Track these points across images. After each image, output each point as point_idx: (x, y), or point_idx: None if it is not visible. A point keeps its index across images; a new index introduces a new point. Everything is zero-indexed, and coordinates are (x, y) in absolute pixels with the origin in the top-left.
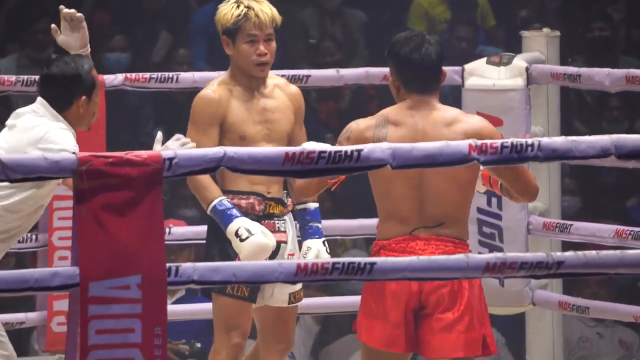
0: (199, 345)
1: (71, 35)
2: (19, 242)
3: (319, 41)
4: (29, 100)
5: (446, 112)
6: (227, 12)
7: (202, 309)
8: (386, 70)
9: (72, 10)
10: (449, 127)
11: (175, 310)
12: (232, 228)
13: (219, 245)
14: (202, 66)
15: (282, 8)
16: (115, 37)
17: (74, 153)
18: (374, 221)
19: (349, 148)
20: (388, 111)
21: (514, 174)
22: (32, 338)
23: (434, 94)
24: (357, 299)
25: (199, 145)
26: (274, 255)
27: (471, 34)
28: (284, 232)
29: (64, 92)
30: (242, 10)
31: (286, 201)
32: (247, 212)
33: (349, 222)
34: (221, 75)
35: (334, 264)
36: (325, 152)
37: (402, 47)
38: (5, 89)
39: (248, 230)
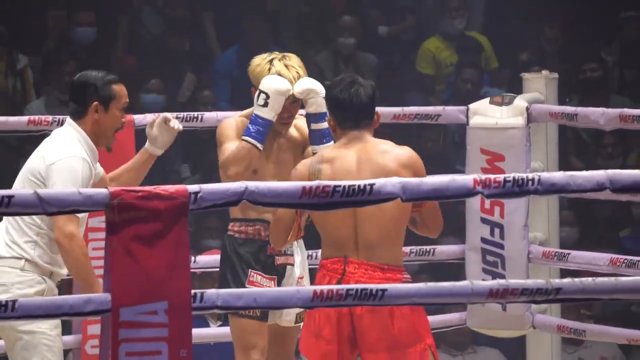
0: None
1: (161, 135)
2: None
3: None
4: None
5: (378, 144)
6: (263, 69)
7: None
8: (396, 109)
9: (176, 122)
10: (383, 155)
11: (220, 332)
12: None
13: (229, 268)
14: (225, 106)
15: (300, 51)
16: (152, 81)
17: (106, 188)
18: None
19: (362, 182)
20: (325, 151)
21: (434, 210)
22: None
23: (366, 130)
24: None
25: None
26: (280, 277)
27: (476, 77)
28: (291, 255)
29: (79, 98)
30: (283, 78)
31: None
32: (254, 239)
33: None
34: (245, 111)
35: (347, 290)
36: (339, 186)
37: (334, 89)
38: (43, 128)
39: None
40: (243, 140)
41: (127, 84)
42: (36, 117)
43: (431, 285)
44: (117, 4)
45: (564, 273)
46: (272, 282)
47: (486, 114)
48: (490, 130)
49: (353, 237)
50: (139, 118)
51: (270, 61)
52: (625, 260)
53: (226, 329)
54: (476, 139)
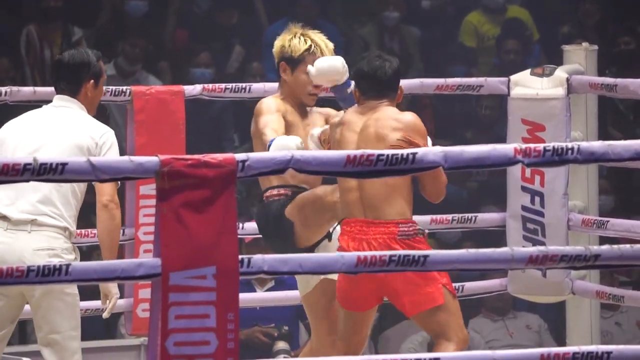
0: (286, 328)
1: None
2: None
3: None
4: (118, 108)
5: (386, 111)
6: (294, 43)
7: (289, 296)
8: (439, 81)
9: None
10: (383, 122)
11: (266, 297)
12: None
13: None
14: (273, 78)
15: (346, 25)
16: (201, 54)
17: (156, 156)
18: (426, 218)
19: (405, 152)
20: (346, 112)
21: (432, 176)
22: (120, 323)
23: (387, 101)
24: None
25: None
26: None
27: (517, 48)
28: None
29: (73, 77)
30: (310, 45)
31: None
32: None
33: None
34: (273, 95)
35: (390, 256)
36: (383, 155)
37: (361, 62)
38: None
39: None
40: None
41: (178, 58)
42: None
43: (472, 251)
44: None
45: (603, 240)
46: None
47: (527, 85)
48: (531, 101)
49: (358, 195)
50: (189, 89)
51: (299, 36)
52: None
53: (272, 294)
54: (517, 110)
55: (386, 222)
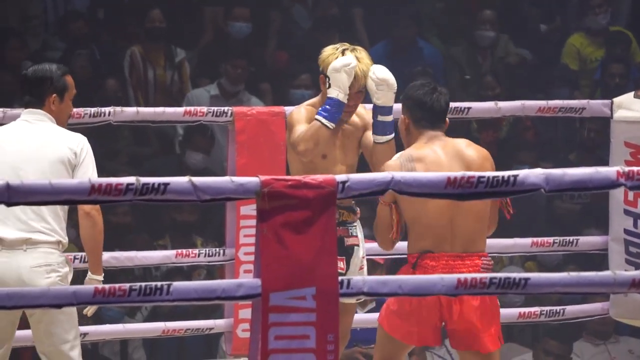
0: None
1: None
2: (209, 255)
3: (478, 75)
4: (221, 128)
5: (457, 141)
6: (334, 58)
7: None
8: (541, 103)
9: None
10: (467, 150)
11: (367, 318)
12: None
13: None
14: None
15: (441, 46)
16: (301, 76)
17: (257, 177)
18: (527, 240)
19: (506, 174)
20: (409, 150)
21: (495, 208)
22: (220, 343)
23: (440, 131)
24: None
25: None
26: (348, 257)
27: (622, 71)
28: (356, 236)
29: (35, 91)
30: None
31: (355, 209)
32: None
33: (506, 241)
34: (311, 100)
35: (491, 279)
36: (484, 177)
37: (416, 90)
38: (198, 118)
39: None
40: (315, 119)
41: (279, 79)
42: (192, 108)
43: (574, 274)
44: (270, 1)
45: None
46: (342, 262)
47: (631, 108)
48: (634, 124)
49: (450, 229)
50: (290, 110)
51: (342, 52)
52: None
53: (372, 315)
54: (620, 132)
55: (472, 254)
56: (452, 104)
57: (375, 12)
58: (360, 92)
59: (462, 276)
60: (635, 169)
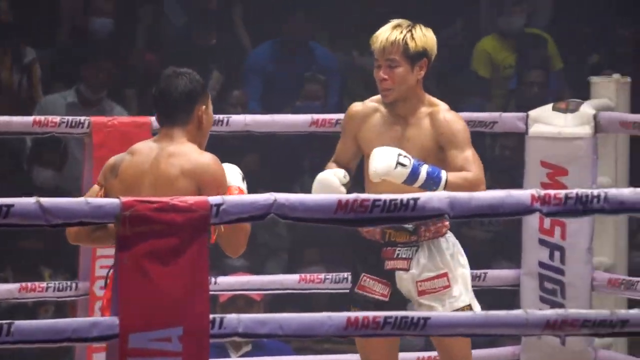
0: None
1: None
2: (59, 289)
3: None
4: (77, 141)
5: (178, 145)
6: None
7: None
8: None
9: None
10: (168, 160)
11: None
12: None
13: (352, 268)
14: (254, 106)
15: (341, 51)
16: None
17: (117, 198)
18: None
19: (405, 197)
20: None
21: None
22: None
23: (179, 125)
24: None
25: (337, 150)
26: (392, 280)
27: (542, 79)
28: (405, 259)
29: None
30: (374, 36)
31: (412, 228)
32: (367, 238)
33: None
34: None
35: (386, 318)
36: (379, 200)
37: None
38: (49, 130)
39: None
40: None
41: (147, 84)
42: (42, 118)
43: (481, 314)
44: None
45: (632, 304)
46: (388, 288)
47: (548, 122)
48: (552, 141)
49: None
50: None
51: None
52: None
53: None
54: (536, 150)
55: None
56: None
57: (263, 7)
58: (391, 65)
59: (352, 315)
60: (552, 192)
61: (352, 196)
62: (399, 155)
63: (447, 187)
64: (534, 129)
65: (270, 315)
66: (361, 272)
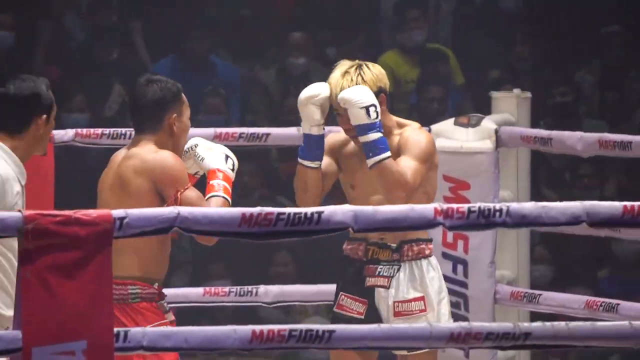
0: None
1: None
2: None
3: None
4: None
5: (139, 148)
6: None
7: None
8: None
9: None
10: (126, 161)
11: None
12: None
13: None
14: None
15: (242, 64)
16: (76, 97)
17: (19, 211)
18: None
19: (309, 210)
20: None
21: None
22: None
23: (149, 133)
24: None
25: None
26: (372, 299)
27: (442, 94)
28: (386, 277)
29: (22, 112)
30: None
31: (394, 246)
32: (350, 257)
33: (310, 288)
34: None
35: (291, 331)
36: (284, 214)
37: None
38: None
39: None
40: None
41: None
42: None
43: (385, 326)
44: (39, 7)
45: (535, 317)
46: (365, 306)
47: (450, 137)
48: (454, 155)
49: None
50: (59, 134)
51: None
52: (603, 304)
53: None
54: (439, 164)
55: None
56: (249, 130)
57: (163, 22)
58: (338, 114)
59: (257, 328)
60: (455, 206)
61: (257, 210)
62: (374, 107)
63: (380, 164)
64: (436, 144)
65: (175, 328)
66: (339, 291)
